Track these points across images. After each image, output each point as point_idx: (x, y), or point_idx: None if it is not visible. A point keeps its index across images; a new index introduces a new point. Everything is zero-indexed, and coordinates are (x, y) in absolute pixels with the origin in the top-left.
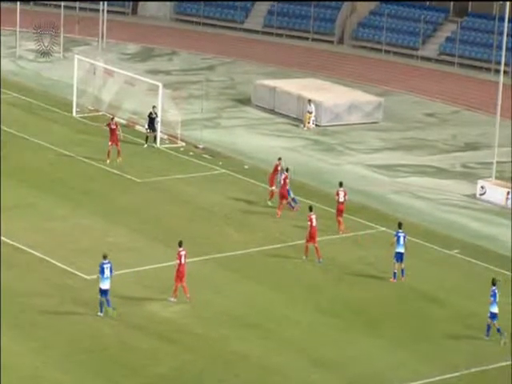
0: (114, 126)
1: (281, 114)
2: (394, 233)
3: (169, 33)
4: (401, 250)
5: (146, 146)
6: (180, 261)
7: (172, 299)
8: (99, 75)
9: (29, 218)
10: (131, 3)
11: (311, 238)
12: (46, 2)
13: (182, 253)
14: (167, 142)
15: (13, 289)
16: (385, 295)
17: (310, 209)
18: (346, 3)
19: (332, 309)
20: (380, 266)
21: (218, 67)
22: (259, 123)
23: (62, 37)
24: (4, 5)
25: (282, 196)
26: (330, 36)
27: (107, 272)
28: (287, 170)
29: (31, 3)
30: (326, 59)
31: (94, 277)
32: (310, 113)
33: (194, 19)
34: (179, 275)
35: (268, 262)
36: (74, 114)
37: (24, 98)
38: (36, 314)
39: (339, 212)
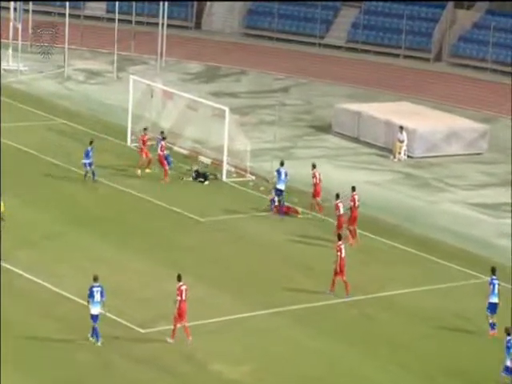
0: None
1: (366, 142)
2: (489, 280)
3: (237, 49)
4: (495, 300)
5: (207, 182)
6: (181, 297)
7: (169, 340)
8: (157, 98)
9: (75, 261)
10: (194, 16)
11: (340, 270)
12: (98, 16)
13: (183, 287)
14: (234, 175)
15: (58, 340)
16: (484, 353)
17: (339, 237)
18: (444, 15)
19: (421, 369)
20: (480, 322)
21: (294, 89)
22: (341, 153)
23: (115, 55)
24: (50, 18)
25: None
26: (426, 52)
27: (97, 296)
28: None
29: (81, 17)
30: (421, 79)
31: (150, 330)
32: (402, 142)
33: (266, 34)
34: (180, 313)
35: (347, 315)
36: (129, 142)
37: (72, 124)
38: (82, 369)
39: (353, 219)
